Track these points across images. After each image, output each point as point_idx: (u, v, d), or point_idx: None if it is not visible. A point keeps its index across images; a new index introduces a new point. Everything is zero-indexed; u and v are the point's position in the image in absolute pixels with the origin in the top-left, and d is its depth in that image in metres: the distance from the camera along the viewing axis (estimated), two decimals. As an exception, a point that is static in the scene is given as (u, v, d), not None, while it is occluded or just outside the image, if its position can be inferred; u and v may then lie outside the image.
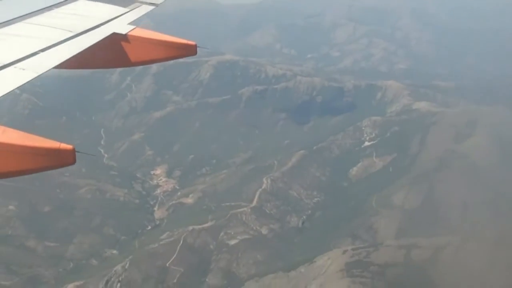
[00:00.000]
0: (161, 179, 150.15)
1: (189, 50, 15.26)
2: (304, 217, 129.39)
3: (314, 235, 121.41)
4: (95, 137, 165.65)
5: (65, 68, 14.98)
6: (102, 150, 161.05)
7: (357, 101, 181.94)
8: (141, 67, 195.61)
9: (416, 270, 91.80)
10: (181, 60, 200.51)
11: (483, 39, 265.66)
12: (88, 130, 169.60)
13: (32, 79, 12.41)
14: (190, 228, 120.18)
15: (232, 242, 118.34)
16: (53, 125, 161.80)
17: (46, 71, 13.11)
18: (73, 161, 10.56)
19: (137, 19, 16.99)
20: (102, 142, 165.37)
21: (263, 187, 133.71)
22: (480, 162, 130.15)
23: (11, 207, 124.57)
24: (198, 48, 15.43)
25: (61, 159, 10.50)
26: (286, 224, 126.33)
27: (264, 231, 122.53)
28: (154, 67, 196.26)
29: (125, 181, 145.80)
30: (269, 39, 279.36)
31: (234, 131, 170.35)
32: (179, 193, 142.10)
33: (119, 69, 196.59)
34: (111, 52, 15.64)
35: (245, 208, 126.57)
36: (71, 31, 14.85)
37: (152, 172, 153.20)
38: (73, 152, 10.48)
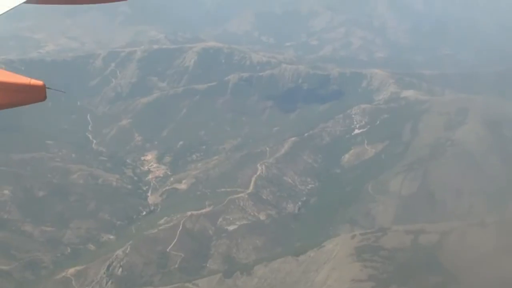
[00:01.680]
0: (152, 165, 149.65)
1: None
2: (300, 203, 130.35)
3: (311, 221, 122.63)
4: (82, 123, 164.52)
5: (39, 3, 15.24)
6: (90, 136, 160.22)
7: (343, 89, 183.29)
8: (125, 52, 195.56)
9: (425, 255, 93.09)
10: (164, 46, 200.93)
11: (458, 27, 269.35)
12: (75, 116, 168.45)
13: (4, 13, 12.76)
14: (189, 213, 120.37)
15: (231, 227, 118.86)
16: (39, 109, 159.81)
17: (17, 6, 13.40)
18: (44, 97, 11.09)
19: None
20: (90, 128, 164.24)
21: (258, 173, 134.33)
22: (474, 149, 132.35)
23: (5, 191, 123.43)
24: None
25: (32, 95, 11.02)
26: (282, 210, 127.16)
27: (262, 216, 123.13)
28: (138, 52, 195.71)
29: (116, 167, 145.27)
30: (247, 26, 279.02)
31: (222, 118, 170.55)
32: (171, 179, 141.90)
33: (102, 55, 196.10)
34: None
35: (242, 194, 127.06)
36: None
37: (142, 158, 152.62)
38: (43, 88, 11.02)
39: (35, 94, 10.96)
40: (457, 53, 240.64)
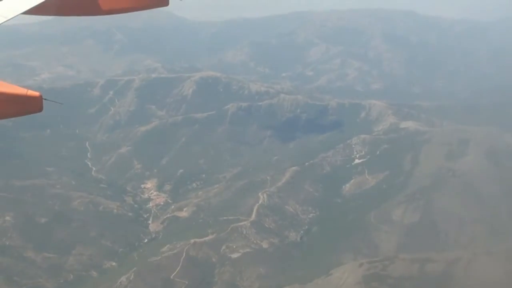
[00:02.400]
0: (152, 193, 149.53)
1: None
2: (302, 232, 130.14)
3: (314, 250, 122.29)
4: (80, 150, 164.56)
5: (37, 14, 15.58)
6: (89, 163, 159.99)
7: (342, 119, 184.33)
8: (123, 81, 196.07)
9: (432, 283, 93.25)
10: (162, 75, 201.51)
11: (452, 58, 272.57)
12: (73, 143, 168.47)
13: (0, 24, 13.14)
14: (192, 241, 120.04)
15: (235, 255, 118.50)
16: (37, 137, 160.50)
17: (15, 16, 13.78)
18: (40, 108, 11.47)
19: None
20: (89, 155, 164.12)
21: (260, 202, 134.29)
22: (475, 179, 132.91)
23: (7, 217, 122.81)
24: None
25: (28, 105, 11.33)
26: (285, 238, 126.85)
27: (264, 245, 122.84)
28: (137, 81, 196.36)
29: (116, 194, 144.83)
30: (242, 57, 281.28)
31: (221, 147, 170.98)
32: (172, 207, 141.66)
33: (100, 83, 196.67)
34: None
35: (244, 222, 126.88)
36: None
37: (142, 186, 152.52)
38: (40, 98, 11.36)
39: (32, 105, 11.24)
40: (452, 84, 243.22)
